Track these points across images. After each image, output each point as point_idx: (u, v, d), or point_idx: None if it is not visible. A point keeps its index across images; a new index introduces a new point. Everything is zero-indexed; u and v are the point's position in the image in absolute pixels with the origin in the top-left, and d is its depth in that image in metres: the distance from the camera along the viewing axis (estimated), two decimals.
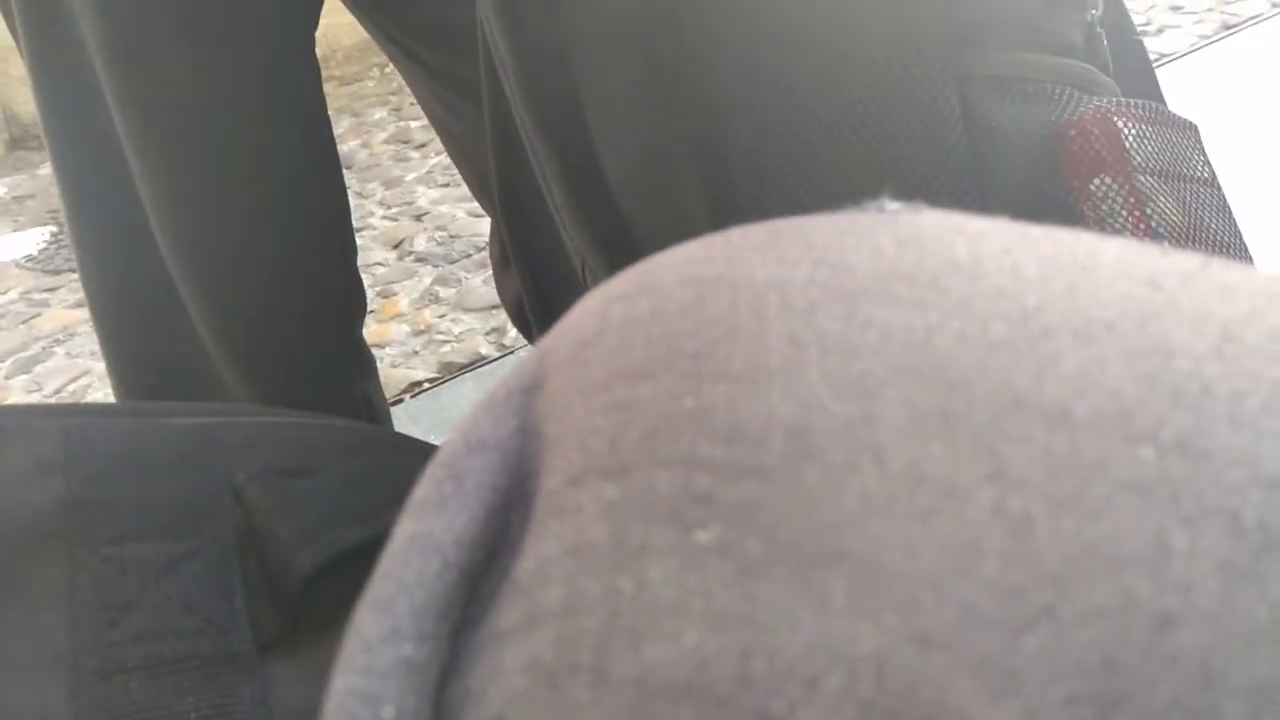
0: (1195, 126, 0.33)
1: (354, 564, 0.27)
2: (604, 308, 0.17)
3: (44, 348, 1.17)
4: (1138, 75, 0.33)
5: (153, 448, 0.29)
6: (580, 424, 0.15)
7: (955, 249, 0.16)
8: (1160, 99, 0.34)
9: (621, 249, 0.34)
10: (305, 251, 0.52)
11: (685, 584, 0.12)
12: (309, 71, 0.51)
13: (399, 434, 0.37)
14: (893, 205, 0.19)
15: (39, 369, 1.13)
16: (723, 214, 0.33)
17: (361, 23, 0.56)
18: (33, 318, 1.25)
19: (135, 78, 0.46)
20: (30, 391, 1.09)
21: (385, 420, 0.60)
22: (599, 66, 0.33)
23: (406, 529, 0.15)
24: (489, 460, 0.16)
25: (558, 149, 0.34)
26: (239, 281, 0.50)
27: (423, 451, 0.33)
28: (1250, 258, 0.32)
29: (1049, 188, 0.30)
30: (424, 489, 0.16)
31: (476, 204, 1.34)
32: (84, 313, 1.21)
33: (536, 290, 0.44)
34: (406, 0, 0.53)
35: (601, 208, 0.34)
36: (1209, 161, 0.33)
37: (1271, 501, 0.11)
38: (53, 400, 1.07)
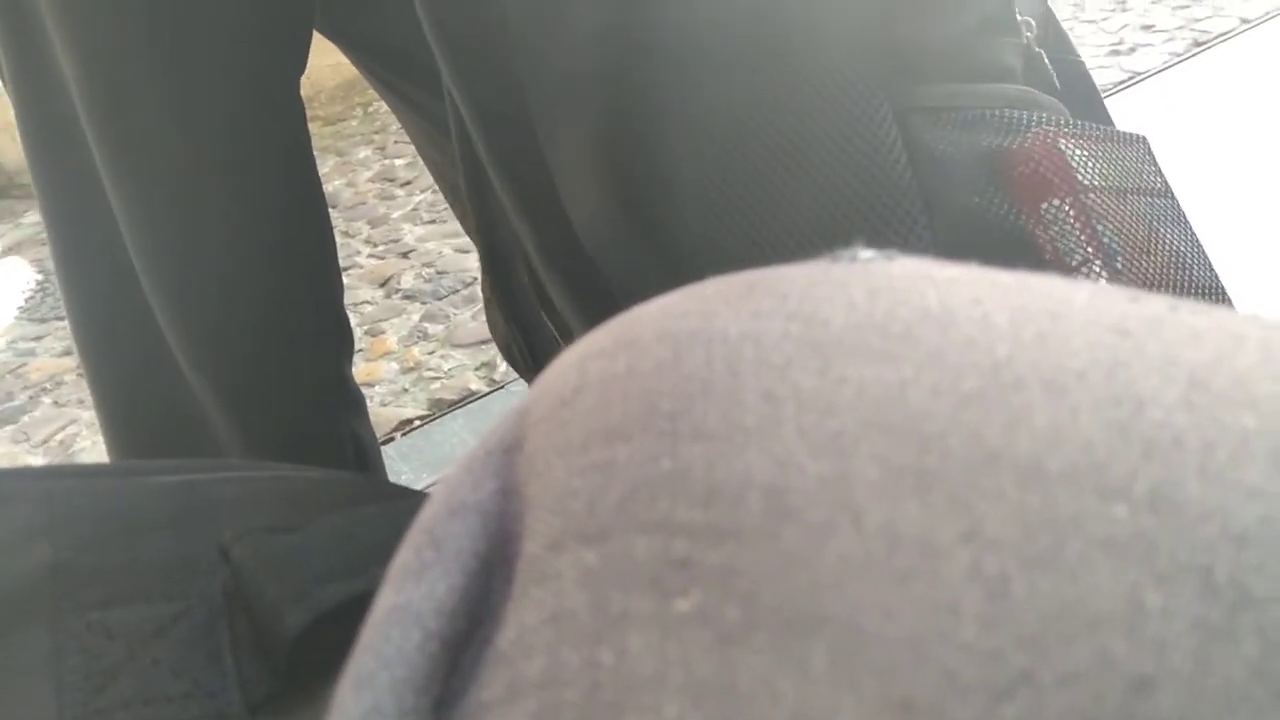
0: (1144, 139, 0.33)
1: (344, 619, 0.27)
2: (582, 364, 0.17)
3: (31, 397, 1.17)
4: (1078, 94, 0.34)
5: (139, 509, 0.29)
6: (559, 486, 0.15)
7: (927, 298, 0.16)
8: (1105, 116, 0.34)
9: (596, 300, 0.34)
10: (292, 292, 0.52)
11: (665, 654, 0.12)
12: (293, 113, 0.51)
13: (389, 484, 0.37)
14: (865, 253, 0.19)
15: (26, 419, 1.13)
16: (680, 253, 0.33)
17: (353, 63, 0.56)
18: (19, 367, 1.24)
19: (116, 122, 0.46)
20: (18, 442, 1.09)
21: (375, 459, 0.60)
22: (555, 121, 0.33)
23: (386, 599, 0.15)
24: (469, 525, 0.16)
25: (527, 206, 0.34)
26: (225, 324, 0.50)
27: (413, 501, 0.32)
28: (1210, 265, 0.32)
29: (999, 213, 0.30)
30: (404, 556, 0.16)
31: (463, 240, 1.35)
32: (72, 360, 1.21)
33: (525, 337, 0.44)
34: (395, 42, 0.53)
35: (574, 260, 0.34)
36: (1161, 172, 0.33)
37: (1242, 557, 0.11)
38: (41, 449, 1.06)
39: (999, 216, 0.30)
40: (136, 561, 0.28)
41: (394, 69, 0.53)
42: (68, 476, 0.29)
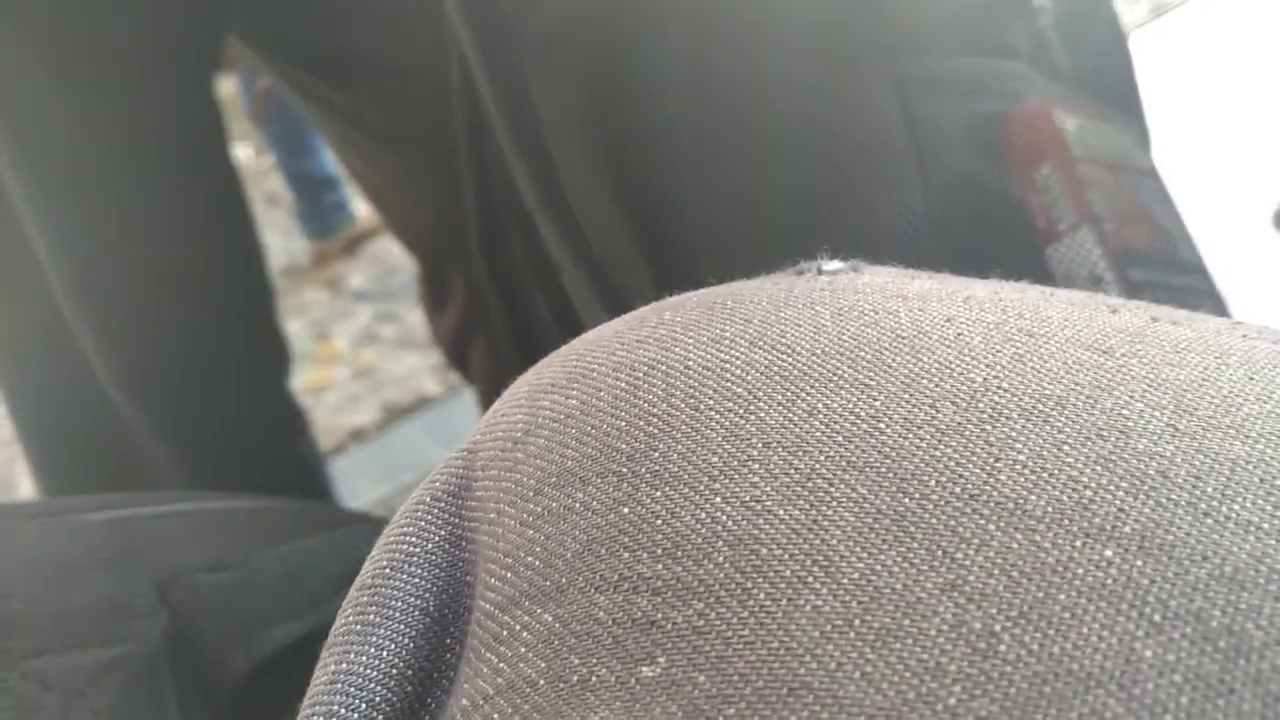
0: (1142, 123, 0.33)
1: (291, 659, 0.26)
2: (533, 400, 0.16)
3: None
4: (1112, 79, 0.33)
5: (68, 551, 0.27)
6: (512, 536, 0.14)
7: (898, 319, 0.15)
8: (1133, 101, 0.34)
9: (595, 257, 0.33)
10: (216, 304, 0.50)
11: None
12: (207, 118, 0.49)
13: (331, 509, 0.35)
14: (831, 265, 0.18)
15: None
16: (670, 215, 0.32)
17: (275, 74, 0.54)
18: None
19: (22, 134, 0.44)
20: None
21: (321, 478, 0.58)
22: (545, 71, 0.32)
23: (329, 667, 0.14)
24: (416, 580, 0.15)
25: (526, 152, 0.33)
26: (145, 341, 0.48)
27: (356, 529, 0.31)
28: (1195, 246, 0.32)
29: (992, 177, 0.30)
30: (347, 617, 0.15)
31: None
32: None
33: (515, 324, 0.42)
34: (338, 40, 0.51)
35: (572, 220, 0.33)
36: (1151, 157, 0.33)
37: (1236, 600, 0.10)
38: None
39: (992, 181, 0.30)
40: (68, 607, 0.26)
41: (328, 76, 0.51)
42: None
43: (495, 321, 0.43)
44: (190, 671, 0.26)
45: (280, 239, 1.46)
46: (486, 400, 0.60)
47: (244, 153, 1.69)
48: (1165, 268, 0.29)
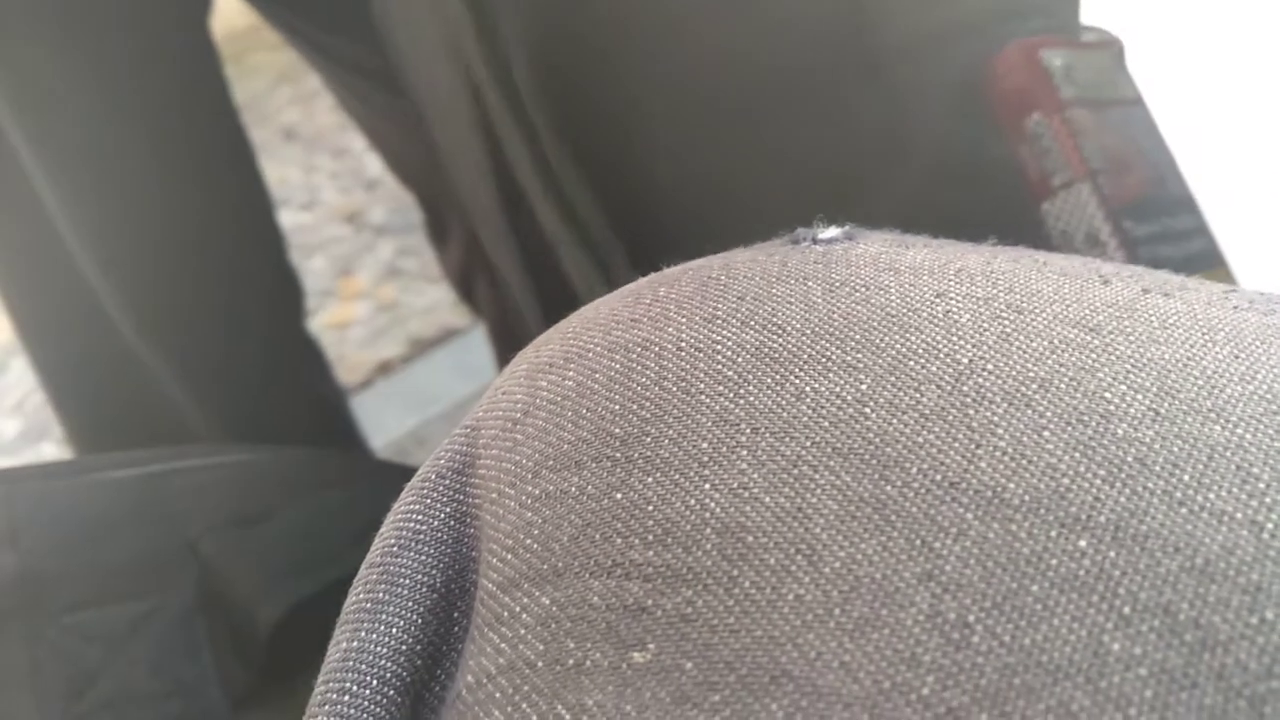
0: (1118, 42, 0.32)
1: (321, 608, 0.27)
2: (531, 380, 0.16)
3: None
4: None
5: (102, 508, 0.28)
6: (512, 518, 0.15)
7: (888, 295, 0.15)
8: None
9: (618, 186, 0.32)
10: (222, 248, 0.50)
11: (623, 714, 0.12)
12: (204, 59, 0.48)
13: (355, 458, 0.36)
14: (827, 233, 0.18)
15: None
16: (648, 215, 0.32)
17: (258, 9, 0.54)
18: None
19: (23, 87, 0.44)
20: None
21: (344, 416, 0.59)
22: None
23: (340, 645, 0.15)
24: (423, 557, 0.15)
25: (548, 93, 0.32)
26: (159, 288, 0.48)
27: (383, 475, 0.32)
28: (1182, 178, 0.31)
29: (980, 135, 0.29)
30: (357, 595, 0.15)
31: None
32: None
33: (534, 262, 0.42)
34: None
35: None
36: (1132, 80, 0.32)
37: (1205, 593, 0.11)
38: (15, 413, 1.05)
39: (980, 141, 0.29)
40: (102, 562, 0.27)
41: (316, 21, 0.50)
42: (24, 479, 0.28)
43: (511, 273, 0.43)
44: (223, 622, 0.27)
45: (301, 174, 1.46)
46: (493, 333, 0.60)
47: (260, 84, 1.68)
48: (1162, 213, 0.29)
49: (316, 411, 0.55)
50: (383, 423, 0.92)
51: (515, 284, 0.43)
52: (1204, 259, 0.28)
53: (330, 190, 1.40)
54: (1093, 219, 0.28)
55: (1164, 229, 0.28)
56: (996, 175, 0.29)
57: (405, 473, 0.17)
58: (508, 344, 0.57)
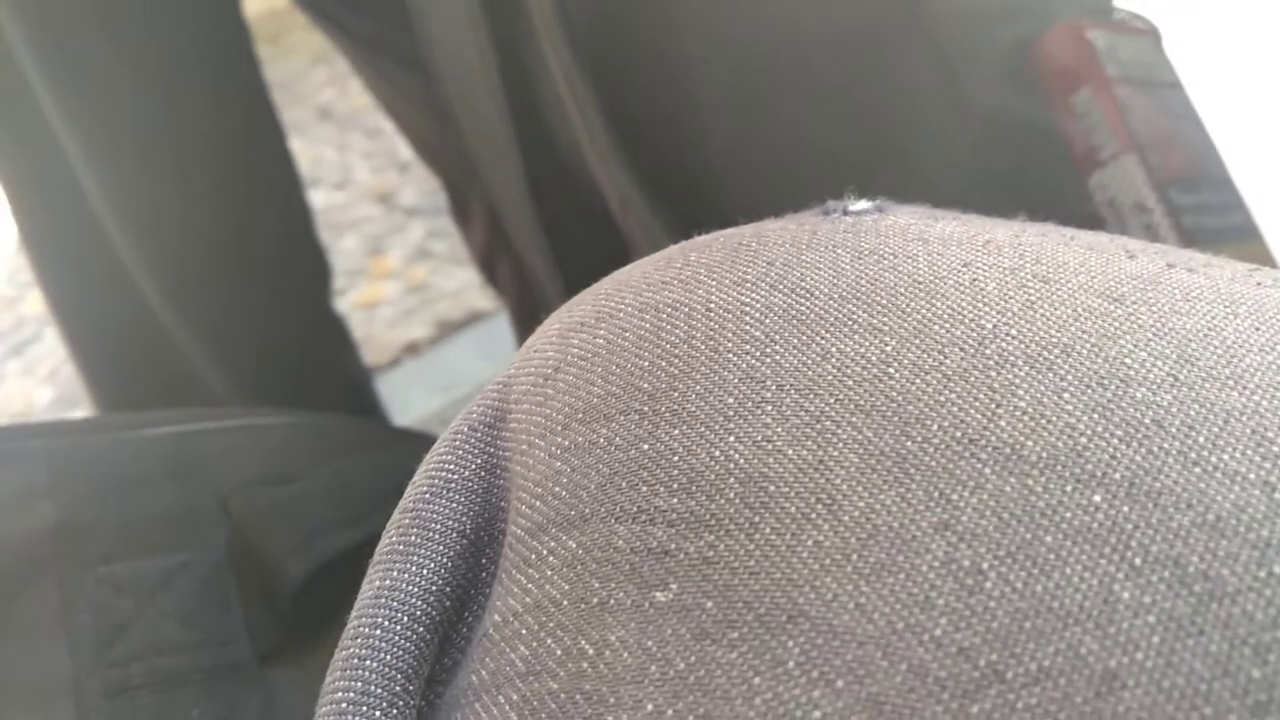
0: (1157, 30, 0.33)
1: (347, 567, 0.28)
2: (563, 338, 0.17)
3: (33, 330, 1.17)
4: None
5: (136, 464, 0.29)
6: (541, 468, 0.15)
7: (916, 263, 0.16)
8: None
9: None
10: (252, 223, 0.51)
11: (645, 648, 0.12)
12: (234, 36, 0.49)
13: (383, 426, 0.37)
14: (857, 205, 0.19)
15: (30, 351, 1.13)
16: (692, 190, 0.32)
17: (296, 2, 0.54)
18: (17, 300, 1.24)
19: (58, 59, 0.45)
20: (25, 375, 1.09)
21: (368, 391, 0.60)
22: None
23: (373, 583, 0.15)
24: (454, 505, 0.16)
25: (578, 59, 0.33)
26: (188, 262, 0.49)
27: (407, 446, 0.33)
28: (1220, 159, 0.31)
29: (1028, 107, 0.29)
30: (390, 538, 0.16)
31: None
32: None
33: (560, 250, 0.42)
34: None
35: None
36: (1170, 65, 0.32)
37: (1215, 547, 0.11)
38: (49, 382, 1.07)
39: (1030, 114, 0.29)
40: (137, 516, 0.28)
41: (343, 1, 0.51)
42: (63, 434, 0.29)
43: (533, 255, 0.44)
44: (252, 577, 0.28)
45: (335, 153, 1.47)
46: (515, 314, 0.61)
47: (297, 64, 1.69)
48: (1204, 188, 0.29)
49: (341, 389, 0.56)
50: (408, 403, 0.93)
51: (537, 264, 0.43)
52: (1245, 230, 0.28)
53: (363, 170, 1.42)
54: (1140, 189, 0.28)
55: (1207, 201, 0.29)
56: (1047, 153, 0.29)
57: (431, 441, 0.18)
58: (528, 325, 0.58)
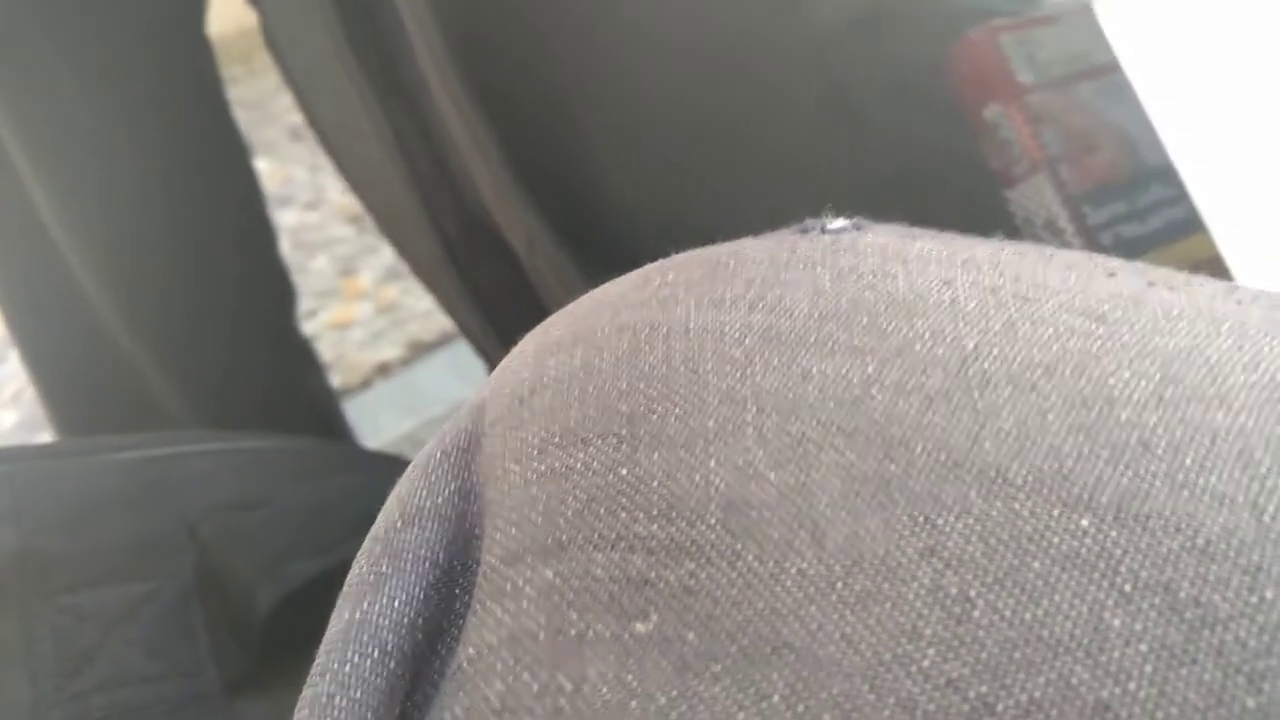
0: (1089, 8, 0.32)
1: (317, 594, 0.27)
2: (539, 359, 0.17)
3: None
4: None
5: (102, 489, 0.28)
6: (517, 494, 0.15)
7: (895, 282, 0.16)
8: None
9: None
10: (214, 245, 0.50)
11: (624, 683, 0.12)
12: (197, 56, 0.49)
13: (353, 450, 0.36)
14: (835, 223, 0.18)
15: None
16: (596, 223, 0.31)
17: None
18: None
19: (15, 80, 0.44)
20: None
21: (334, 413, 0.59)
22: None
23: (343, 616, 0.15)
24: (427, 533, 0.15)
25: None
26: (148, 285, 0.48)
27: (381, 466, 0.32)
28: (1160, 145, 0.30)
29: (937, 131, 0.28)
30: (360, 568, 0.15)
31: None
32: None
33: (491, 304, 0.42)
34: None
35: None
36: (1108, 45, 0.31)
37: (1205, 572, 0.11)
38: (12, 405, 1.05)
39: (945, 135, 0.28)
40: (102, 543, 0.27)
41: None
42: (26, 458, 0.29)
43: (464, 316, 0.43)
44: (220, 605, 0.27)
45: (307, 173, 1.46)
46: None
47: (268, 84, 1.68)
48: (1127, 195, 0.28)
49: (307, 413, 0.55)
50: (380, 425, 0.92)
51: (471, 325, 0.43)
52: (1172, 230, 0.27)
53: (335, 190, 1.41)
54: (1051, 206, 0.28)
55: (1128, 208, 0.28)
56: (960, 172, 0.28)
57: (404, 465, 0.17)
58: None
